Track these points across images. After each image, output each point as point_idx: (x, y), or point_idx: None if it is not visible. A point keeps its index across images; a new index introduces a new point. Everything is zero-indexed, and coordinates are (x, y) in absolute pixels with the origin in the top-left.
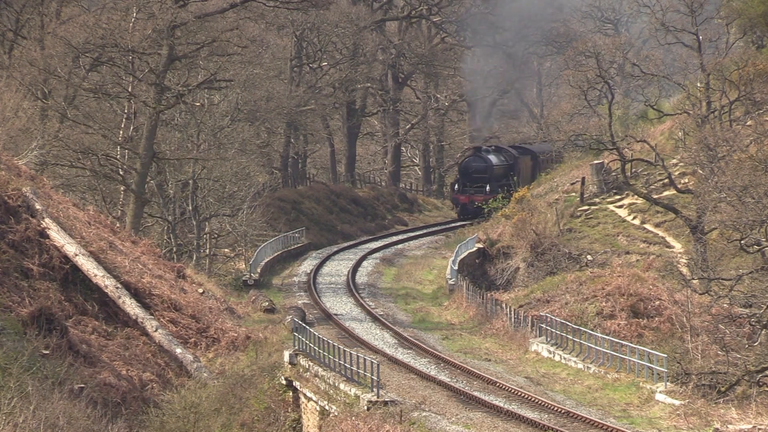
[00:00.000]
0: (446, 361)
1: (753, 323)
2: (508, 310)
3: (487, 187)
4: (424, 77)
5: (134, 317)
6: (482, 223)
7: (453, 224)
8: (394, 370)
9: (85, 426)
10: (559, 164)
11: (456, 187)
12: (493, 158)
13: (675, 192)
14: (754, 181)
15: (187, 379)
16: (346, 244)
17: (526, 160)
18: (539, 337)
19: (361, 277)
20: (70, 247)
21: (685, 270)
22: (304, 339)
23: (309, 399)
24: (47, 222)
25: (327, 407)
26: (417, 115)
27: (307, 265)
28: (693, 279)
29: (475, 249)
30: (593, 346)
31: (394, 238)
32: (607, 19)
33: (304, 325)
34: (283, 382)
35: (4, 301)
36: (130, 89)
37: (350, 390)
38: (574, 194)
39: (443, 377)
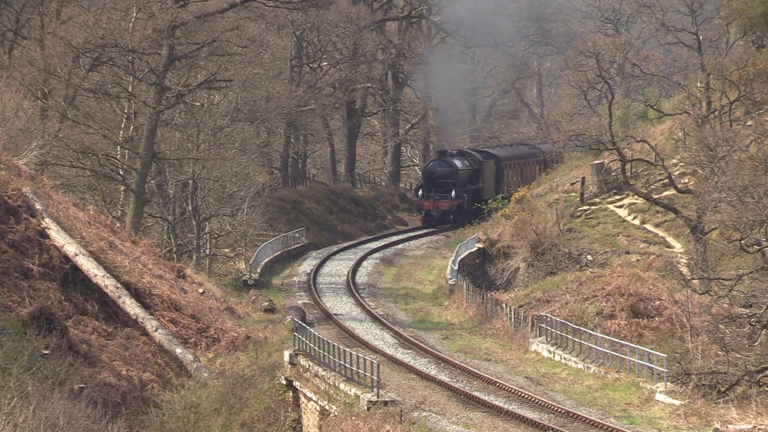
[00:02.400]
0: (446, 361)
1: (753, 323)
2: (508, 310)
3: (453, 193)
4: (424, 77)
5: (134, 317)
6: (482, 223)
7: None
8: (394, 370)
9: (85, 426)
10: (526, 169)
11: (420, 192)
12: (458, 163)
13: (675, 192)
14: (754, 181)
15: (187, 379)
16: (346, 244)
17: (490, 164)
18: (539, 337)
19: (361, 277)
20: (70, 247)
21: (685, 270)
22: (304, 339)
23: (309, 399)
24: (47, 222)
25: (327, 407)
26: (417, 115)
27: (307, 265)
28: (693, 279)
29: (475, 249)
30: (593, 346)
31: (394, 238)
32: (607, 19)
33: (304, 325)
34: (283, 382)
35: (4, 301)
36: (130, 89)
37: (350, 390)
38: (574, 194)
39: (443, 377)
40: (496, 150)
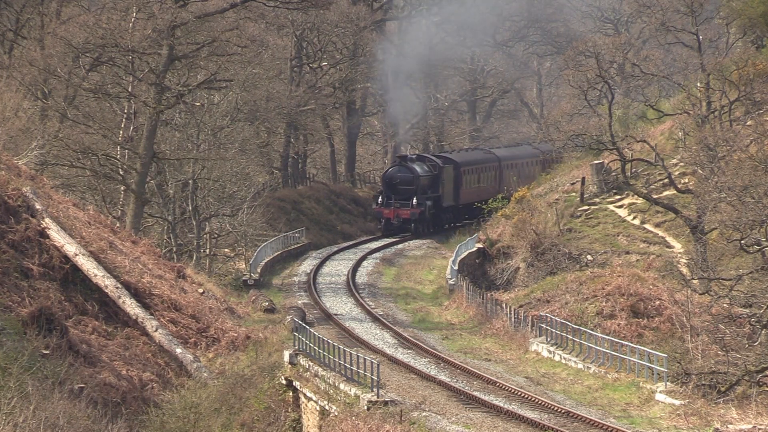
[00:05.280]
0: (446, 361)
1: (753, 323)
2: (508, 310)
3: (414, 200)
4: (424, 77)
5: (134, 317)
6: (484, 224)
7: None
8: (394, 370)
9: (85, 426)
10: (484, 175)
11: (380, 200)
12: (418, 168)
13: (675, 192)
14: (754, 181)
15: (187, 379)
16: (346, 244)
17: (449, 170)
18: (539, 337)
19: (361, 277)
20: (70, 247)
21: (685, 270)
22: (304, 339)
23: (309, 399)
24: (47, 222)
25: (327, 407)
26: (417, 115)
27: (307, 265)
28: (693, 279)
29: (475, 249)
30: (593, 346)
31: (394, 238)
32: (607, 19)
33: (304, 325)
34: (283, 382)
35: (4, 301)
36: (130, 89)
37: (350, 390)
38: (574, 194)
39: (443, 377)
40: (453, 155)
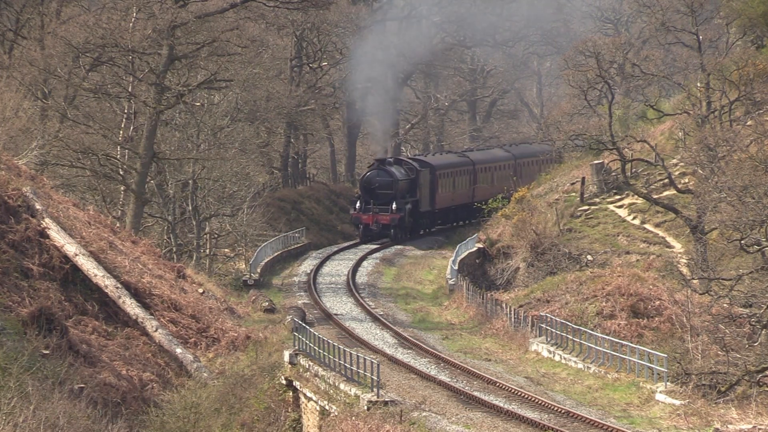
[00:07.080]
0: (446, 361)
1: (753, 323)
2: (508, 310)
3: (393, 205)
4: (424, 77)
5: (134, 317)
6: (488, 221)
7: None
8: (394, 370)
9: (85, 426)
10: (459, 179)
11: (358, 205)
12: (397, 172)
13: (675, 192)
14: (754, 181)
15: (187, 379)
16: (346, 244)
17: (426, 173)
18: (539, 337)
19: (361, 277)
20: (70, 247)
21: (685, 270)
22: (304, 339)
23: (309, 399)
24: (47, 222)
25: (327, 407)
26: (417, 115)
27: (307, 265)
28: (693, 279)
29: (475, 249)
30: (593, 346)
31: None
32: (607, 19)
33: (304, 325)
34: (283, 382)
35: (4, 301)
36: (130, 89)
37: (350, 390)
38: (574, 194)
39: (443, 377)
40: (429, 158)
